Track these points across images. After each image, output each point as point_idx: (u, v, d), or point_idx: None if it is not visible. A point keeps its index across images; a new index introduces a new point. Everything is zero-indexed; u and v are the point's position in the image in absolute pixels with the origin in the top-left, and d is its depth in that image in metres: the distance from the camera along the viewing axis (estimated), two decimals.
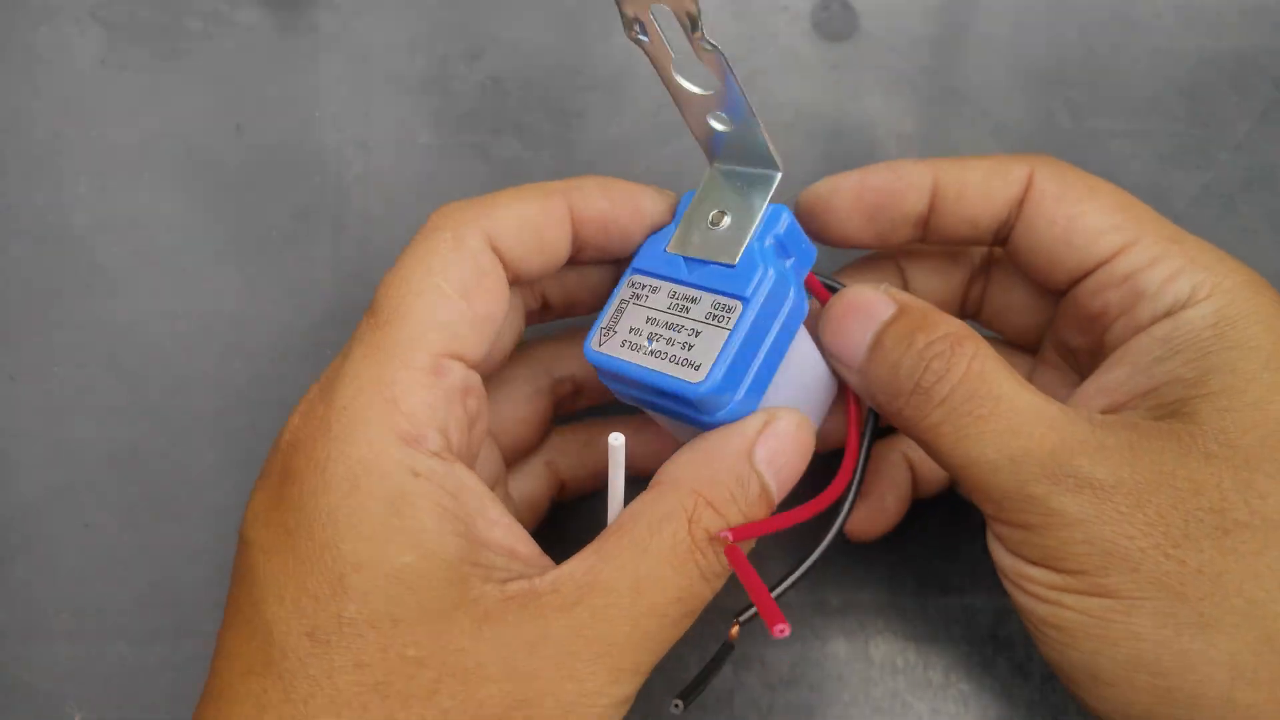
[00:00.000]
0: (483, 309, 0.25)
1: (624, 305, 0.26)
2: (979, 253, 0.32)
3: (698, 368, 0.24)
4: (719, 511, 0.24)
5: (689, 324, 0.25)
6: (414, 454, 0.23)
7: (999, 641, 0.34)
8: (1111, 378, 0.27)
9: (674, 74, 0.24)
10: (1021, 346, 0.32)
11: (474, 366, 0.25)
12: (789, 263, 0.26)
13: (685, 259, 0.26)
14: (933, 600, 0.34)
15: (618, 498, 0.25)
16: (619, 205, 0.26)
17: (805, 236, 0.26)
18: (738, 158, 0.26)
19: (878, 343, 0.26)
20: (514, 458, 0.32)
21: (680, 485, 0.24)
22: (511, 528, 0.24)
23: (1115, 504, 0.23)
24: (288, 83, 0.37)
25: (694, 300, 0.25)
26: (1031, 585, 0.25)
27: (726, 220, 0.26)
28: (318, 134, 0.37)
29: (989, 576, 0.34)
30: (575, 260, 0.27)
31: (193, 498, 0.35)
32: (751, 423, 0.25)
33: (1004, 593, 0.35)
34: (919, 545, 0.35)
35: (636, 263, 0.27)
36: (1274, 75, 0.37)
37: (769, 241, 0.25)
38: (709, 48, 0.22)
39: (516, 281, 0.26)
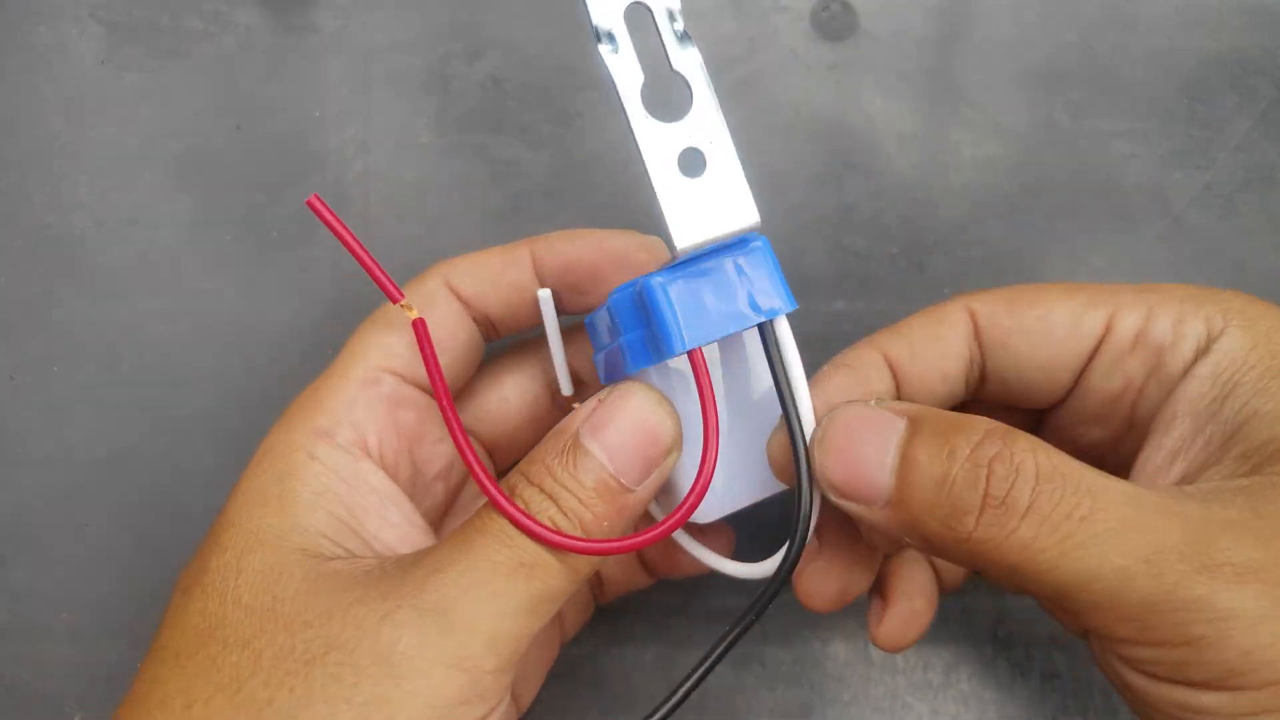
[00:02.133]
0: None
1: None
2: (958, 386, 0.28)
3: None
4: (532, 481, 0.23)
5: None
6: (317, 441, 0.25)
7: (999, 641, 0.34)
8: (1176, 438, 0.23)
9: (638, 100, 0.22)
10: None
11: (419, 384, 0.28)
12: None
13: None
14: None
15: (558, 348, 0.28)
16: (582, 246, 0.28)
17: (656, 318, 0.22)
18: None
19: (907, 462, 0.21)
20: None
21: (516, 467, 0.24)
22: (408, 536, 0.26)
23: None
24: (288, 83, 0.37)
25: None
26: (1205, 718, 0.19)
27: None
28: (318, 134, 0.37)
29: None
30: (565, 309, 0.29)
31: (192, 498, 0.35)
32: (591, 401, 0.24)
33: (1003, 593, 0.35)
34: None
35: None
36: (1274, 75, 0.37)
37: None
38: (687, 42, 0.22)
39: (484, 318, 0.29)
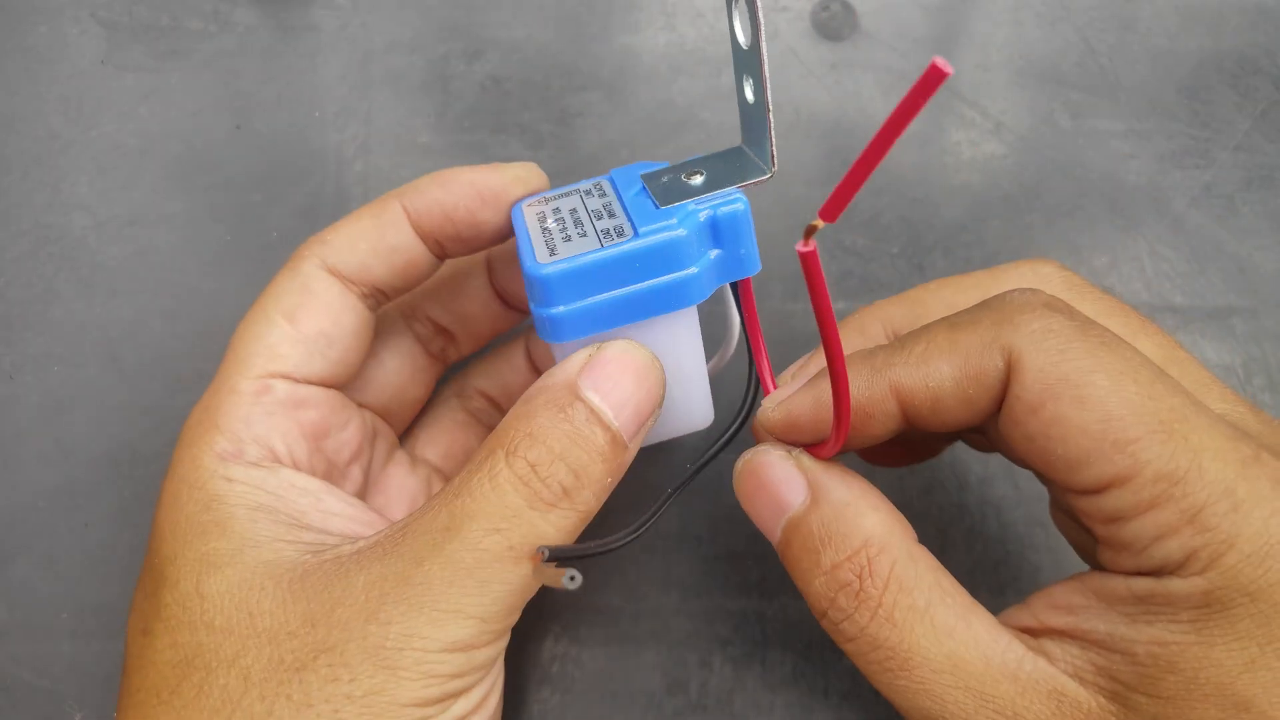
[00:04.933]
0: (310, 328, 0.26)
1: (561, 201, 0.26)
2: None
3: (553, 253, 0.24)
4: (539, 440, 0.22)
5: (588, 224, 0.24)
6: (228, 465, 0.25)
7: None
8: (1083, 604, 0.22)
9: (732, 14, 0.24)
10: None
11: (313, 380, 0.27)
12: (714, 253, 0.24)
13: (644, 187, 0.25)
14: None
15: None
16: (455, 192, 0.27)
17: (749, 242, 0.24)
18: (754, 143, 0.25)
19: (786, 541, 0.24)
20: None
21: (503, 428, 0.23)
22: (355, 517, 0.26)
23: None
24: (288, 83, 0.37)
25: (611, 215, 0.25)
26: None
27: (698, 180, 0.25)
28: (318, 134, 0.37)
29: (988, 577, 0.34)
30: (447, 255, 0.28)
31: None
32: (579, 355, 0.24)
33: (1003, 594, 0.35)
34: None
35: (614, 172, 0.26)
36: (1274, 75, 0.37)
37: (704, 215, 0.24)
38: None
39: (379, 294, 0.28)
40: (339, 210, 0.36)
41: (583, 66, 0.37)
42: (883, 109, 0.37)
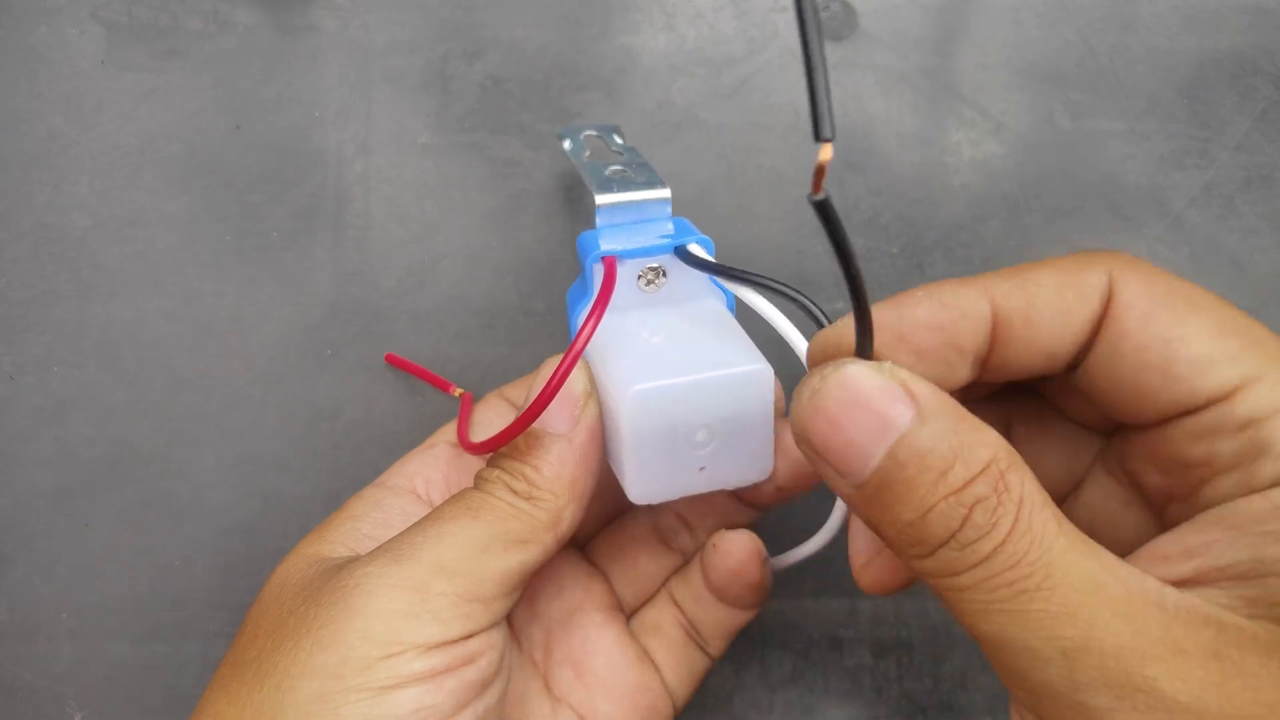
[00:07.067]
0: None
1: None
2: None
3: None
4: (490, 465, 0.26)
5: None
6: (368, 488, 0.30)
7: None
8: (1204, 541, 0.20)
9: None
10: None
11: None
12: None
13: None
14: (933, 601, 0.34)
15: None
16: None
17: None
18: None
19: (896, 462, 0.19)
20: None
21: None
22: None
23: None
24: (288, 83, 0.37)
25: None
26: None
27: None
28: (318, 134, 0.37)
29: None
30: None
31: (192, 498, 0.35)
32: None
33: None
34: None
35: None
36: (1274, 75, 0.37)
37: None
38: (622, 151, 0.32)
39: None
40: (339, 210, 0.36)
41: (583, 66, 0.37)
42: (883, 109, 0.37)
